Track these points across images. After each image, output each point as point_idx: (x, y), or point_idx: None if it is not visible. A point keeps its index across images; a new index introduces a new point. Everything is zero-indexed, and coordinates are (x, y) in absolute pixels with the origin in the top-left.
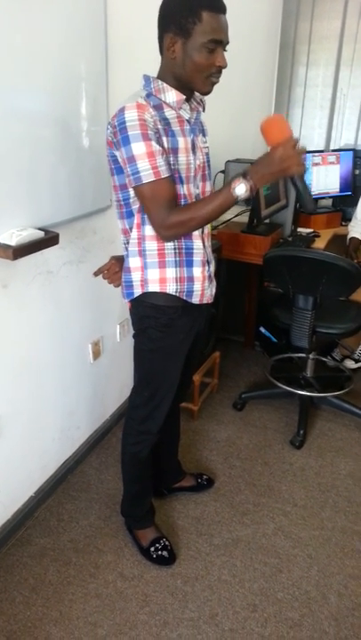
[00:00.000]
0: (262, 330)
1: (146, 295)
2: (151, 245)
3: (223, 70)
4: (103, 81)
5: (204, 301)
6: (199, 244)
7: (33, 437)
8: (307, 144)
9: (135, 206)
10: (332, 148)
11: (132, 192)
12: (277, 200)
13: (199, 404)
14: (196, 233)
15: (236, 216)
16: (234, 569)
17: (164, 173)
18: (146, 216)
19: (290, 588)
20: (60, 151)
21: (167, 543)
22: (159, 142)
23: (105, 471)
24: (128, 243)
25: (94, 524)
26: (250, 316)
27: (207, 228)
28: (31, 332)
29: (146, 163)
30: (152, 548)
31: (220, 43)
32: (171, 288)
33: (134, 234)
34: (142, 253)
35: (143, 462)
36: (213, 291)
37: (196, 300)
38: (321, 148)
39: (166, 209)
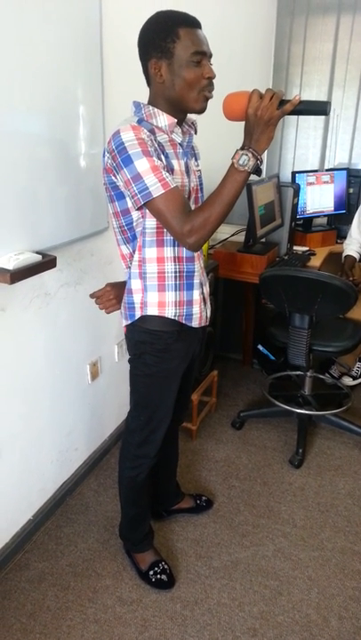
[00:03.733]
0: (260, 348)
1: (143, 320)
2: (151, 268)
3: (218, 92)
4: (99, 103)
5: (202, 324)
6: (197, 265)
7: (31, 459)
8: (301, 163)
9: (138, 229)
10: (326, 167)
11: (135, 215)
12: (273, 219)
13: (198, 423)
14: (195, 254)
15: (233, 235)
16: (233, 592)
17: (172, 184)
18: (148, 238)
19: (290, 612)
20: (58, 173)
21: (166, 567)
22: (160, 159)
23: (103, 493)
24: (130, 266)
25: (93, 548)
26: (247, 334)
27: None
28: (29, 355)
29: (152, 177)
30: (151, 572)
31: (203, 54)
32: (170, 312)
33: (136, 256)
34: (143, 276)
35: (141, 486)
36: (209, 313)
37: (195, 323)
38: (315, 167)
39: (183, 216)
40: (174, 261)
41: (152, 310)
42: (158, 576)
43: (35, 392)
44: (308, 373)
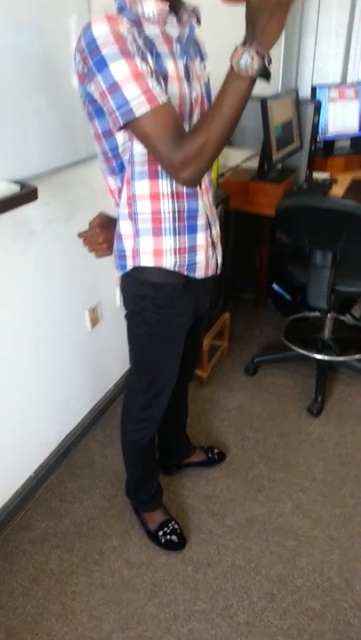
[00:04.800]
0: (275, 287)
1: (139, 270)
2: (143, 207)
3: None
4: (86, 11)
5: (209, 274)
6: (202, 202)
7: (28, 414)
8: (320, 78)
9: (125, 156)
10: (349, 81)
11: (119, 138)
12: (290, 142)
13: (208, 370)
14: (198, 190)
15: (245, 161)
16: (249, 553)
17: (161, 97)
18: (137, 169)
19: (310, 575)
20: (45, 91)
21: (176, 526)
22: (145, 60)
23: (110, 445)
24: (119, 204)
25: (99, 505)
26: (262, 273)
27: (205, 181)
28: (16, 302)
29: (134, 87)
30: (160, 532)
31: None
32: (168, 261)
33: (124, 192)
34: (133, 217)
35: (146, 449)
36: (219, 259)
37: (199, 274)
38: (337, 81)
39: (173, 143)
40: (172, 198)
41: (146, 260)
42: (168, 537)
43: (29, 343)
44: (329, 315)
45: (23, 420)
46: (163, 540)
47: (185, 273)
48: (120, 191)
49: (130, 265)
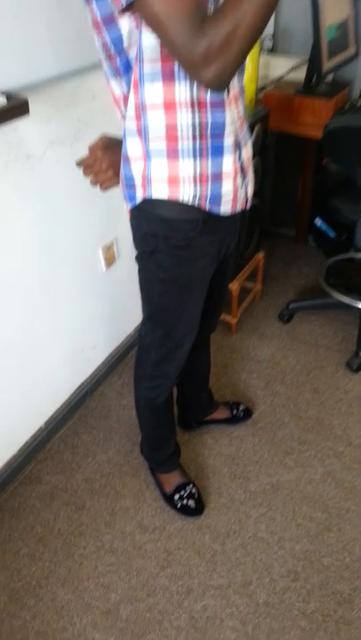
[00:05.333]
0: (318, 222)
1: (150, 203)
2: (156, 120)
3: None
4: None
5: (238, 209)
6: (230, 114)
7: (37, 364)
8: None
9: (132, 52)
10: None
11: (124, 25)
12: (345, 47)
13: (238, 315)
14: (225, 97)
15: (290, 72)
16: (273, 524)
17: None
18: (147, 68)
19: (340, 553)
20: None
21: (194, 490)
22: None
23: (127, 395)
24: (125, 115)
25: (113, 460)
26: (303, 205)
27: (234, 87)
28: (16, 240)
29: None
30: (176, 496)
31: None
32: (186, 192)
33: (131, 99)
34: (143, 134)
35: (161, 407)
36: (250, 190)
37: (225, 209)
38: None
39: (193, 27)
40: (192, 108)
41: (159, 190)
42: (184, 501)
43: (35, 287)
44: None
45: (33, 368)
46: (179, 505)
47: (207, 208)
48: (126, 99)
49: (139, 196)
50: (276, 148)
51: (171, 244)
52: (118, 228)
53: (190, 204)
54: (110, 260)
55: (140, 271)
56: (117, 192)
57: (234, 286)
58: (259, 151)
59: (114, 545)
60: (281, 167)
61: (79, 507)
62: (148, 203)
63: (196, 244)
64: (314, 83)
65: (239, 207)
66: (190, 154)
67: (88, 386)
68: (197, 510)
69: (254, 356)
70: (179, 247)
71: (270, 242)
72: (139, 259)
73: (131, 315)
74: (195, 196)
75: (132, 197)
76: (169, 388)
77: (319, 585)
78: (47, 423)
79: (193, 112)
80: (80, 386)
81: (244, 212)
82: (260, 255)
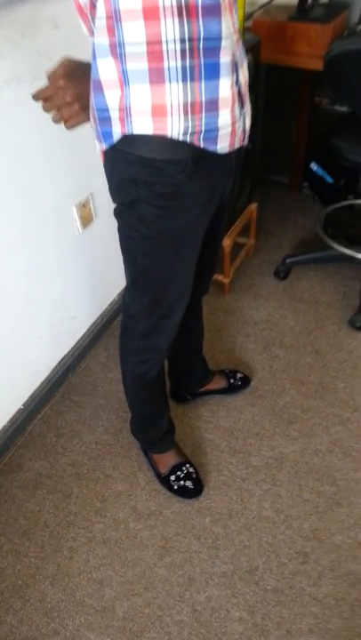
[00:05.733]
0: (314, 167)
1: (130, 141)
2: (134, 33)
3: None
4: None
5: (235, 145)
6: (225, 24)
7: (11, 339)
8: None
9: None
10: None
11: None
12: None
13: (231, 274)
14: (219, 0)
15: None
16: (278, 501)
17: None
18: None
19: (351, 529)
20: None
21: (191, 470)
22: None
23: (114, 368)
24: (93, 31)
25: (101, 441)
26: (298, 148)
27: None
28: None
29: None
30: (172, 477)
31: None
32: (175, 127)
33: (100, 7)
34: (118, 52)
35: (152, 383)
36: (248, 122)
37: (223, 145)
38: None
39: None
40: (180, 15)
41: (141, 124)
42: (181, 482)
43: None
44: None
45: (7, 345)
46: (175, 487)
47: (201, 145)
48: (94, 7)
49: (117, 133)
50: (267, 85)
51: (154, 193)
52: (94, 181)
53: (181, 139)
54: (86, 219)
55: (120, 228)
56: (89, 140)
57: (226, 242)
58: (250, 87)
59: (106, 535)
60: (272, 107)
61: (66, 494)
62: (128, 141)
63: (185, 190)
64: (308, 5)
65: (237, 144)
66: (179, 76)
67: (70, 360)
68: (196, 491)
69: (250, 318)
70: (164, 195)
71: (263, 191)
72: (117, 213)
73: (113, 280)
74: (186, 131)
75: (107, 135)
76: (160, 362)
77: (331, 566)
78: (26, 404)
79: (181, 21)
80: (61, 361)
81: (239, 150)
82: (253, 206)
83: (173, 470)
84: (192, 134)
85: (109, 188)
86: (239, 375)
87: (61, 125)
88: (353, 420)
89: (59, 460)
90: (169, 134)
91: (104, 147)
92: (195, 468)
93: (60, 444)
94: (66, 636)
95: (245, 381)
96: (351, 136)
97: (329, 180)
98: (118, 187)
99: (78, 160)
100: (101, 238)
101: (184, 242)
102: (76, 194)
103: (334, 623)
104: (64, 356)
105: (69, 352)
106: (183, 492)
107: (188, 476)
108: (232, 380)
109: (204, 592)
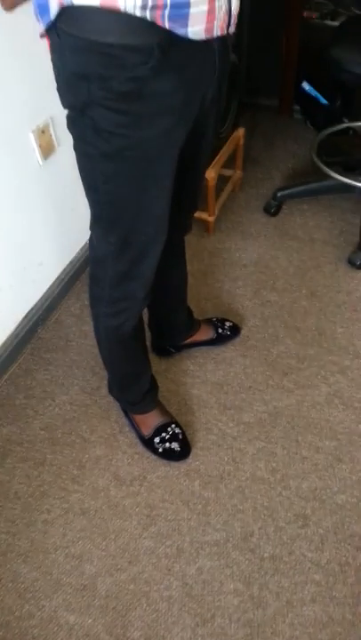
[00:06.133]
0: (306, 87)
1: (72, 19)
2: None
3: None
4: None
5: (216, 32)
6: None
7: None
8: None
9: None
10: None
11: None
12: None
13: (216, 211)
14: None
15: None
16: (273, 460)
17: None
18: None
19: (355, 487)
20: None
21: (177, 430)
22: None
23: (88, 320)
24: None
25: (76, 401)
26: (289, 67)
27: None
28: None
29: None
30: (157, 439)
31: None
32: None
33: None
34: None
35: (130, 337)
36: (235, 5)
37: (197, 28)
38: None
39: None
40: None
41: None
42: (167, 444)
43: None
44: None
45: None
46: (160, 449)
47: (166, 25)
48: None
49: (54, 4)
50: None
51: (111, 91)
52: (54, 101)
53: (139, 16)
54: (47, 147)
55: (75, 145)
56: (45, 48)
57: (210, 175)
58: None
59: (85, 505)
60: (259, 21)
61: (39, 462)
62: (71, 17)
63: (151, 90)
64: None
65: (217, 30)
66: None
67: (38, 313)
68: (183, 453)
69: (238, 260)
70: (124, 96)
71: (249, 117)
72: (69, 122)
73: (83, 219)
74: (145, 4)
75: (43, 9)
76: (137, 313)
77: (333, 529)
78: None
79: None
80: (28, 314)
81: (224, 42)
82: (240, 132)
83: (158, 432)
84: (153, 9)
85: (58, 89)
86: (228, 324)
87: (11, 31)
88: (354, 367)
89: (29, 424)
90: (122, 7)
91: (42, 27)
92: (181, 428)
93: (30, 407)
94: (42, 619)
95: (235, 330)
96: (353, 44)
97: (323, 101)
98: (66, 84)
99: (32, 74)
100: (67, 170)
101: (154, 161)
102: (32, 118)
103: (339, 590)
104: (31, 309)
105: (37, 304)
106: (169, 455)
107: (173, 438)
108: (220, 330)
109: (194, 563)
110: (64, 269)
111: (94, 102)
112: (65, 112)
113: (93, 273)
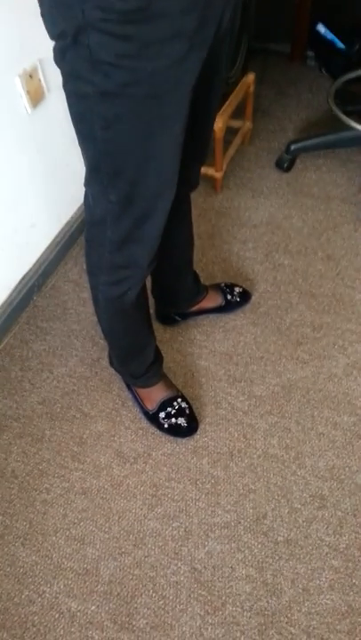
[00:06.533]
0: (321, 29)
1: None
2: None
3: None
4: None
5: None
6: None
7: None
8: None
9: None
10: None
11: None
12: None
13: (224, 167)
14: None
15: None
16: (287, 436)
17: None
18: None
19: None
20: None
21: (184, 405)
22: None
23: (87, 285)
24: None
25: (76, 373)
26: (302, 6)
27: None
28: None
29: None
30: (162, 414)
31: None
32: None
33: None
34: None
35: (132, 307)
36: None
37: None
38: None
39: None
40: None
41: None
42: (173, 420)
43: None
44: None
45: None
46: (166, 425)
47: None
48: None
49: None
50: None
51: (111, 10)
52: (43, 42)
53: None
54: (36, 94)
55: (66, 83)
56: None
57: (217, 125)
58: None
59: (86, 484)
60: None
61: (37, 438)
62: None
63: (160, 8)
64: None
65: None
66: None
67: (33, 279)
68: (190, 429)
69: (248, 220)
70: (127, 16)
71: (259, 63)
72: (59, 55)
73: (79, 175)
74: None
75: None
76: (140, 281)
77: (353, 510)
78: None
79: None
80: (22, 280)
81: None
82: (250, 78)
83: (163, 406)
84: None
85: (42, 14)
86: (237, 290)
87: None
88: None
89: (26, 398)
90: None
91: None
92: (188, 403)
93: (27, 380)
94: (43, 605)
95: (245, 297)
96: None
97: (339, 45)
98: (55, 4)
99: (17, 10)
100: (59, 119)
101: (164, 100)
102: (18, 60)
103: (359, 577)
104: (25, 275)
105: (31, 269)
106: (175, 431)
107: (180, 412)
108: (229, 296)
109: (203, 547)
110: (60, 231)
111: (90, 26)
112: (53, 45)
113: (90, 237)
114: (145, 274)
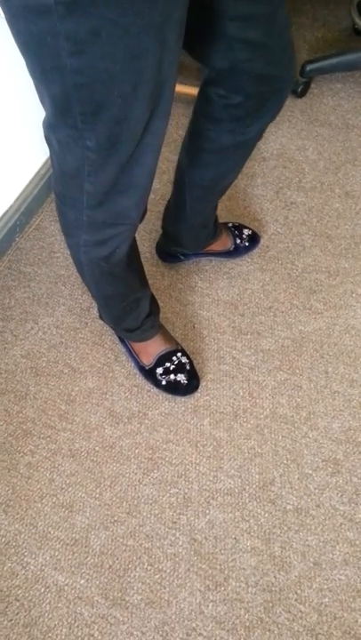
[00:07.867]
0: None
1: None
2: None
3: None
4: None
5: None
6: None
7: None
8: None
9: None
10: None
11: None
12: None
13: None
14: None
15: None
16: (298, 395)
17: None
18: None
19: None
20: None
21: (184, 359)
22: None
23: None
24: None
25: (63, 324)
26: None
27: None
28: None
29: None
30: (159, 370)
31: None
32: None
33: None
34: None
35: (120, 266)
36: None
37: None
38: None
39: None
40: None
41: None
42: (172, 376)
43: None
44: None
45: None
46: (164, 382)
47: None
48: None
49: None
50: None
51: None
52: None
53: None
54: None
55: None
56: None
57: None
58: None
59: (75, 445)
60: None
61: (20, 395)
62: None
63: None
64: None
65: None
66: None
67: (15, 217)
68: (191, 386)
69: (256, 152)
70: None
71: None
72: None
73: None
74: None
75: None
76: (130, 236)
77: None
78: None
79: None
80: (1, 218)
81: None
82: None
83: (160, 361)
84: None
85: None
86: (246, 232)
87: None
88: None
89: (8, 351)
90: None
91: None
92: (188, 357)
93: (8, 330)
94: (27, 578)
95: (254, 240)
96: None
97: None
98: None
99: None
100: None
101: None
102: None
103: None
104: (5, 212)
105: (12, 206)
106: (174, 388)
107: (179, 368)
108: (238, 240)
109: (204, 515)
110: (45, 162)
111: None
112: None
113: (62, 192)
114: (135, 229)
